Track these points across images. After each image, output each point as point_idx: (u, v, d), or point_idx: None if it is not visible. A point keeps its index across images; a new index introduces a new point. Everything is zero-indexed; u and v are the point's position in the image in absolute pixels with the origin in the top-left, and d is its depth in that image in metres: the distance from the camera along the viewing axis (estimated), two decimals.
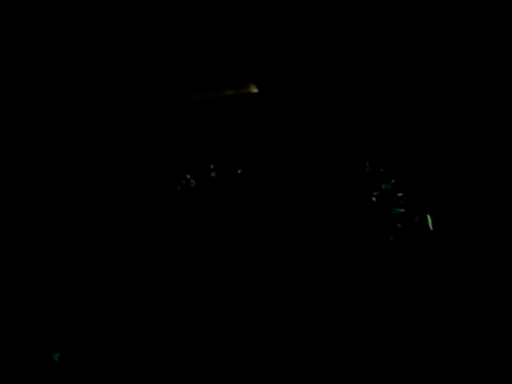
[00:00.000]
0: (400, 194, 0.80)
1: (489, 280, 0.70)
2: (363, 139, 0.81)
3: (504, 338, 0.65)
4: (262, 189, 0.77)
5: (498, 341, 0.65)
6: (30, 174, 0.73)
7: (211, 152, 0.78)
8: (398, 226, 0.78)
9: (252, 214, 0.77)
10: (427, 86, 0.77)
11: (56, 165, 0.74)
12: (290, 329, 0.67)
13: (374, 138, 0.81)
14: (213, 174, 0.78)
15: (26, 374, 0.62)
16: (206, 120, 0.75)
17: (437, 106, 0.78)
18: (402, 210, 0.79)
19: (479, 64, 0.71)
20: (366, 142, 0.81)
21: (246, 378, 0.64)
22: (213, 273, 0.75)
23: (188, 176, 0.78)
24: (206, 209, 0.77)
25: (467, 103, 0.76)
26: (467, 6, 0.62)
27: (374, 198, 0.79)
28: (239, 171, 0.78)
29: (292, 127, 0.77)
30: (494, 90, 0.73)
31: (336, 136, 0.80)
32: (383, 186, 0.80)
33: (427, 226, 0.77)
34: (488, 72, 0.72)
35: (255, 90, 0.71)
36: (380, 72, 0.77)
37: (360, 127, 0.80)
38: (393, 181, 0.80)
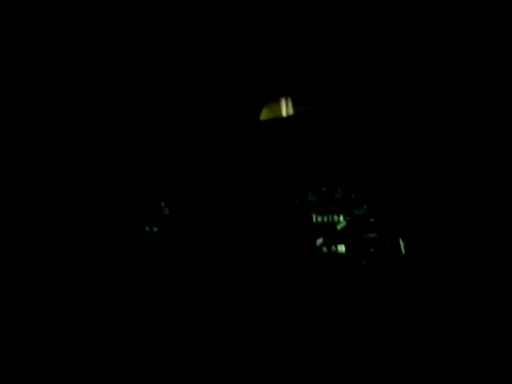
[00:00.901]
0: (372, 220, 0.81)
1: (461, 303, 0.70)
2: (334, 165, 0.83)
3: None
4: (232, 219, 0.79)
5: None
6: None
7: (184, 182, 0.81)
8: (371, 250, 0.79)
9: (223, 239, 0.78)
10: (394, 113, 0.80)
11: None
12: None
13: (346, 164, 0.83)
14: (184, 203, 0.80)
15: None
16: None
17: (405, 134, 0.81)
18: (374, 235, 0.80)
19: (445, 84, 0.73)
20: (338, 167, 0.83)
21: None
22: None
23: (162, 204, 0.80)
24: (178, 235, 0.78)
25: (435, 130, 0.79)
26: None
27: (345, 223, 0.80)
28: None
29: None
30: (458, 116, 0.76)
31: (306, 161, 0.83)
32: (355, 212, 0.82)
33: (399, 250, 0.78)
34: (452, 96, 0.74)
35: None
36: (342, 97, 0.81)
37: (331, 153, 0.83)
38: (365, 206, 0.82)
